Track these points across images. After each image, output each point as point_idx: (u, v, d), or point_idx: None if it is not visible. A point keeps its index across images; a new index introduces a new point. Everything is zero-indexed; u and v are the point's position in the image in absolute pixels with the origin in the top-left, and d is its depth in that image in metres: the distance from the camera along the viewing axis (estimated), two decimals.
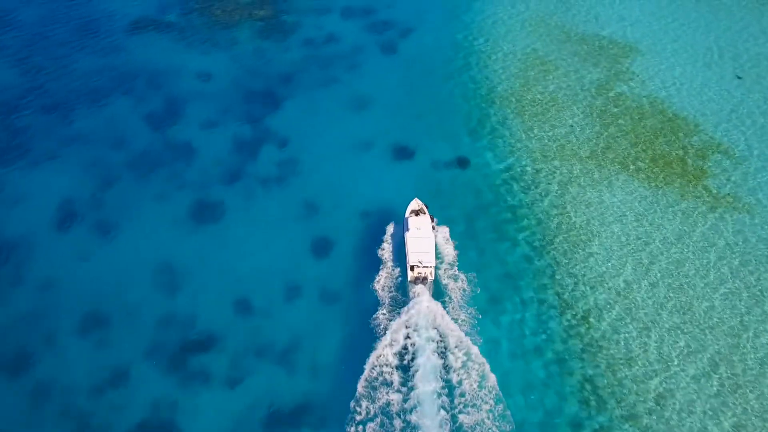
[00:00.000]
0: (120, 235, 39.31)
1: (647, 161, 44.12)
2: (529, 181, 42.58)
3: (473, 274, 35.95)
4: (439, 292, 35.59)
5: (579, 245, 38.06)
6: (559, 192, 41.73)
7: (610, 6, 65.90)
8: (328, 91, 52.90)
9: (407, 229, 37.00)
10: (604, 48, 58.63)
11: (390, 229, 38.59)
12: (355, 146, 46.33)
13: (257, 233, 39.53)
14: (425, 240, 36.10)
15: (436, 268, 36.06)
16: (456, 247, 38.07)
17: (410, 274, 35.32)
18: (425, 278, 35.05)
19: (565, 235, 38.62)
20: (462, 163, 44.04)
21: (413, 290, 34.81)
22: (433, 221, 38.95)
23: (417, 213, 38.59)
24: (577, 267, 36.79)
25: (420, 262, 34.86)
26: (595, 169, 43.58)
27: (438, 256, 36.98)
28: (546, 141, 46.24)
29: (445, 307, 34.46)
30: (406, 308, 33.74)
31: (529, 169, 43.44)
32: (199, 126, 48.80)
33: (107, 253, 38.11)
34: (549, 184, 42.29)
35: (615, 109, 49.75)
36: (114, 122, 49.45)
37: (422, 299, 33.64)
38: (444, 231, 39.07)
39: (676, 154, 44.91)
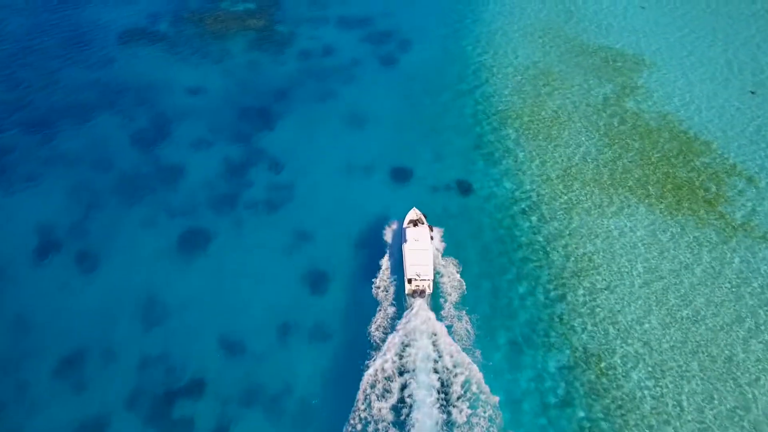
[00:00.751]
0: (102, 266, 36.99)
1: (660, 185, 41.74)
2: (536, 210, 40.15)
3: (476, 316, 33.81)
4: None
5: (588, 279, 35.67)
6: (566, 221, 39.29)
7: (620, 16, 63.53)
8: (324, 108, 50.50)
9: (405, 241, 35.49)
10: (613, 61, 56.18)
11: (385, 262, 36.36)
12: (352, 169, 43.91)
13: (248, 265, 37.20)
14: (423, 252, 34.57)
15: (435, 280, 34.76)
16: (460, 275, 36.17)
17: (408, 287, 33.80)
18: (423, 291, 33.53)
19: (574, 269, 36.20)
20: (464, 188, 41.67)
21: (411, 304, 33.20)
22: (431, 231, 37.44)
23: (415, 223, 37.06)
24: (587, 304, 34.44)
25: (418, 275, 33.44)
26: (605, 195, 41.16)
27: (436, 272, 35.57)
28: (553, 164, 43.80)
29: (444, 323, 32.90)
30: (402, 323, 32.10)
31: (534, 195, 41.03)
32: (189, 146, 46.47)
33: (87, 287, 35.77)
34: (556, 212, 39.84)
35: (625, 128, 47.36)
36: (100, 141, 47.10)
37: (419, 314, 31.98)
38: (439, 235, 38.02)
39: (691, 177, 42.50)
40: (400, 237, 37.58)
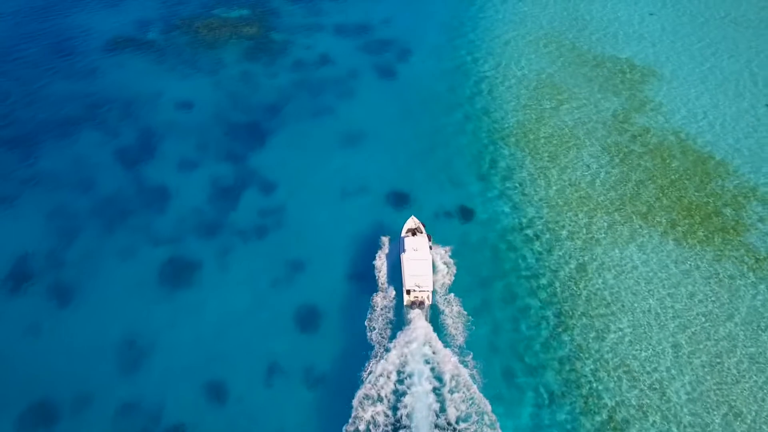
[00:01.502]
0: (78, 301, 34.54)
1: (676, 212, 39.10)
2: (541, 239, 37.45)
3: (479, 363, 31.10)
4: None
5: (599, 320, 32.95)
6: (574, 253, 36.61)
7: (629, 24, 60.78)
8: (318, 124, 47.94)
9: (403, 251, 34.43)
10: (623, 73, 53.51)
11: (379, 300, 33.73)
12: (347, 192, 41.34)
13: (235, 299, 34.69)
14: (422, 262, 33.57)
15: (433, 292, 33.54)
16: (458, 296, 34.02)
17: (406, 298, 32.90)
18: (422, 303, 32.61)
19: (583, 308, 33.50)
20: (466, 214, 39.09)
21: (409, 315, 32.31)
22: (430, 240, 36.07)
23: (414, 232, 35.88)
24: (597, 349, 31.75)
25: (417, 286, 32.50)
26: (615, 222, 38.47)
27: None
28: (561, 187, 41.09)
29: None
30: (402, 339, 30.96)
31: (540, 223, 38.38)
32: (176, 166, 43.95)
33: (62, 325, 33.29)
34: (563, 243, 37.13)
35: (635, 147, 44.71)
36: (81, 160, 44.59)
37: (418, 329, 31.13)
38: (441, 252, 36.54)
39: (709, 202, 39.83)
40: (398, 246, 36.11)
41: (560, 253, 36.42)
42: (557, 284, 34.70)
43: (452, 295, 33.60)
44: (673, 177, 41.80)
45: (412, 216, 37.65)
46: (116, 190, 41.97)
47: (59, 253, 37.15)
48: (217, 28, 60.83)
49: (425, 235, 36.15)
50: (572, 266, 35.62)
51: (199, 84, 53.11)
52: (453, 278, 34.54)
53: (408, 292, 32.91)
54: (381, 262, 35.62)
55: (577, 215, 38.96)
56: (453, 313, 32.79)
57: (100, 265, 36.53)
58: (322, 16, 63.06)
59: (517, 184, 41.33)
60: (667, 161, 43.24)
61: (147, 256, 37.16)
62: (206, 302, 34.61)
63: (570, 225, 38.28)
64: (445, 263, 35.77)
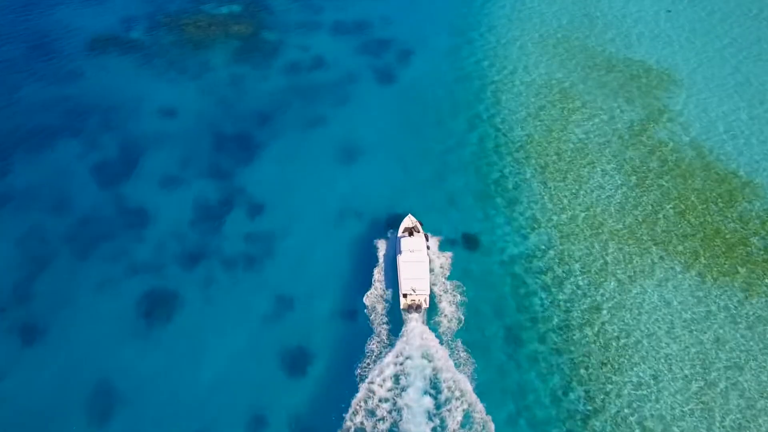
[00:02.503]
0: (47, 341, 31.77)
1: (698, 239, 35.99)
2: (553, 273, 34.30)
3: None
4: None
5: (615, 369, 29.97)
6: (589, 289, 33.46)
7: (641, 22, 56.75)
8: (311, 136, 44.59)
9: (400, 252, 33.18)
10: (638, 77, 49.88)
11: (375, 345, 30.88)
12: (342, 215, 38.21)
13: (219, 339, 31.83)
14: (419, 264, 32.33)
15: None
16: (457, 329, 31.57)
17: (403, 302, 31.71)
18: (419, 306, 31.47)
19: (600, 357, 30.46)
20: (471, 243, 36.07)
21: (406, 319, 31.21)
22: (427, 240, 34.14)
23: (410, 232, 34.40)
24: (614, 405, 28.81)
25: (413, 290, 31.31)
26: (634, 253, 35.25)
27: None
28: (573, 212, 37.78)
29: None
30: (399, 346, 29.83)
31: (552, 255, 35.19)
32: (158, 183, 40.84)
33: (25, 367, 30.56)
34: (576, 277, 33.94)
35: (655, 165, 41.27)
36: (58, 176, 41.46)
37: (416, 334, 30.17)
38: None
39: (733, 228, 36.65)
40: (394, 247, 34.56)
41: (572, 290, 33.30)
42: (569, 326, 31.62)
43: (459, 341, 30.74)
44: (694, 199, 38.55)
45: (409, 214, 35.98)
46: (93, 210, 38.97)
47: (26, 284, 34.32)
48: (206, 27, 57.07)
49: (422, 235, 34.50)
50: (585, 305, 32.58)
51: (185, 89, 49.62)
52: (458, 323, 31.69)
53: (404, 295, 31.63)
54: (376, 300, 32.76)
55: (591, 244, 35.78)
56: (460, 357, 30.17)
57: (72, 299, 33.69)
58: (318, 13, 59.14)
59: (525, 208, 38.04)
60: (688, 181, 39.90)
61: (123, 288, 34.27)
62: (189, 342, 31.76)
63: (582, 256, 35.12)
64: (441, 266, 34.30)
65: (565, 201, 38.39)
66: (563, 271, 34.28)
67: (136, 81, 50.55)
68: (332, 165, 41.96)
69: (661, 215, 37.52)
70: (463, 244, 35.94)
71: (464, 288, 32.92)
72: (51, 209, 38.98)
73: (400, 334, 30.88)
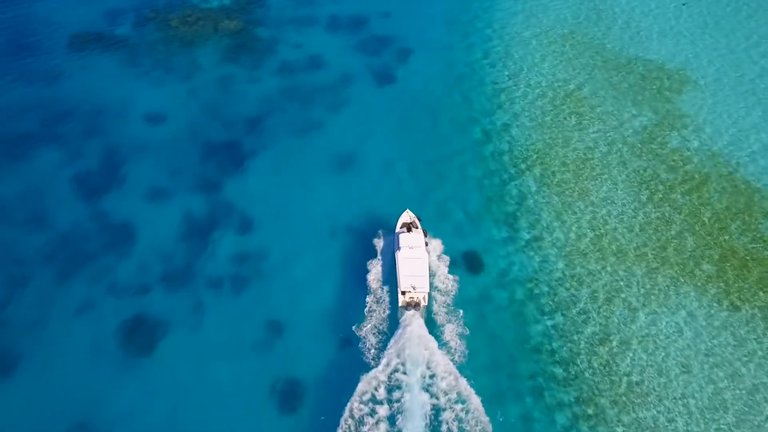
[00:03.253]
0: (20, 372, 29.68)
1: (716, 261, 33.73)
2: (559, 298, 32.13)
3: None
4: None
5: (628, 411, 27.94)
6: (598, 318, 31.24)
7: (655, 16, 53.80)
8: (306, 144, 42.09)
9: (398, 249, 32.55)
10: (654, 79, 47.13)
11: (368, 385, 28.82)
12: (337, 230, 36.03)
13: (205, 370, 29.84)
14: (418, 261, 31.75)
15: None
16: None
17: (401, 299, 31.27)
18: (418, 304, 31.01)
19: (609, 396, 28.36)
20: (472, 264, 33.90)
21: (404, 316, 30.59)
22: (426, 236, 33.81)
23: (409, 227, 33.49)
24: None
25: (413, 287, 30.76)
26: (646, 277, 33.00)
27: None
28: (580, 230, 35.48)
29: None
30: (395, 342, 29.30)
31: (559, 279, 32.97)
32: (142, 196, 38.53)
33: None
34: (585, 304, 31.79)
35: (668, 176, 38.96)
36: (35, 189, 39.12)
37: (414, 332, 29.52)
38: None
39: (753, 248, 34.48)
40: (392, 243, 33.82)
41: (579, 317, 31.21)
42: (577, 360, 29.54)
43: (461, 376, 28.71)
44: (711, 213, 36.26)
45: (407, 210, 35.11)
46: (72, 226, 36.69)
47: (3, 311, 32.22)
48: (195, 22, 54.14)
49: (421, 231, 33.74)
50: (593, 335, 30.42)
51: (172, 92, 46.95)
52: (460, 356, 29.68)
53: (403, 293, 31.08)
54: (371, 332, 30.74)
55: (599, 266, 33.50)
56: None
57: (49, 326, 31.61)
58: (313, 6, 56.15)
59: (530, 225, 35.77)
60: (704, 195, 37.54)
61: (103, 313, 32.18)
62: (174, 374, 29.71)
63: (590, 280, 32.90)
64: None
65: (573, 218, 36.14)
66: (569, 296, 32.14)
67: (120, 82, 47.86)
68: (326, 175, 39.55)
69: (674, 234, 35.23)
70: (463, 265, 33.79)
71: (463, 314, 30.94)
72: (25, 225, 36.67)
73: (397, 333, 29.82)
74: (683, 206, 36.79)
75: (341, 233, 36.00)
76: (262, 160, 41.03)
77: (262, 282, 33.82)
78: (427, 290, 31.08)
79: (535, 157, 40.27)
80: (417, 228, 34.15)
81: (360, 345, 30.09)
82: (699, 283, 32.71)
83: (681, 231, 35.34)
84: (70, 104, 45.74)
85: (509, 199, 37.45)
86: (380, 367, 28.60)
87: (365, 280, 32.96)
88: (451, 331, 30.19)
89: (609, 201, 37.26)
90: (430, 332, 30.01)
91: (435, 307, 31.25)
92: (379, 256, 34.15)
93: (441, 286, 32.25)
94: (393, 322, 30.87)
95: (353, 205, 37.63)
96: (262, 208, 37.81)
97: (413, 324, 30.04)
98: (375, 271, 33.21)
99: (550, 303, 31.88)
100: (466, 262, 33.91)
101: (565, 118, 43.34)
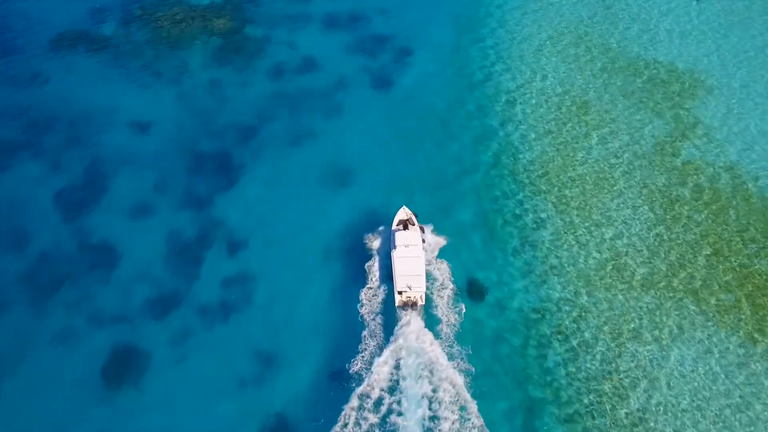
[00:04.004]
0: None
1: (736, 289, 31.61)
2: (568, 331, 30.01)
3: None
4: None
5: None
6: (610, 353, 29.17)
7: (670, 15, 50.92)
8: (299, 155, 39.73)
9: (394, 247, 31.93)
10: (665, 83, 44.56)
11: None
12: (331, 252, 34.07)
13: (192, 409, 28.08)
14: (415, 260, 31.16)
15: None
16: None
17: (398, 298, 30.69)
18: (415, 303, 30.46)
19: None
20: (474, 292, 31.78)
21: (401, 316, 30.10)
22: (423, 233, 33.17)
23: (405, 225, 32.49)
24: None
25: (409, 287, 30.23)
26: (661, 306, 30.88)
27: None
28: (590, 255, 33.23)
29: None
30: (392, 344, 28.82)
31: (568, 307, 30.84)
32: (127, 214, 36.35)
33: None
34: (597, 338, 29.68)
35: (685, 192, 36.66)
36: (13, 205, 36.93)
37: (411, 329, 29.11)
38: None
39: None
40: (388, 241, 33.35)
41: (590, 356, 29.09)
42: (585, 401, 27.54)
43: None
44: (729, 236, 33.96)
45: (404, 206, 34.20)
46: (51, 246, 34.64)
47: None
48: (183, 21, 51.38)
49: (417, 228, 32.99)
50: (606, 375, 28.39)
51: (161, 97, 44.49)
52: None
53: (399, 293, 30.51)
54: (365, 364, 28.84)
55: (612, 296, 31.35)
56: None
57: (26, 356, 29.80)
58: (308, 3, 53.33)
59: (536, 250, 33.48)
60: (721, 212, 35.30)
61: (84, 342, 30.33)
62: (156, 410, 28.08)
63: (601, 312, 30.72)
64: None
65: (581, 240, 33.89)
66: (577, 329, 30.09)
67: (104, 87, 45.36)
68: (322, 190, 37.30)
69: (693, 257, 32.96)
70: (465, 292, 31.78)
71: (469, 350, 29.01)
72: (4, 245, 34.84)
73: (394, 335, 29.21)
74: (703, 227, 34.49)
75: (333, 252, 33.88)
76: (254, 173, 38.66)
77: (252, 310, 31.72)
78: (424, 289, 30.33)
79: (540, 171, 37.78)
80: (414, 225, 32.98)
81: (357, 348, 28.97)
82: (718, 315, 30.55)
83: (699, 253, 33.16)
84: (50, 110, 43.32)
85: (515, 218, 35.14)
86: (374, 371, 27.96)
87: (358, 299, 31.28)
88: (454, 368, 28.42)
89: (621, 221, 34.97)
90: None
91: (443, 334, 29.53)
92: (375, 269, 32.62)
93: (444, 319, 30.46)
94: (390, 324, 29.89)
95: (346, 221, 35.33)
96: (253, 224, 35.61)
97: (411, 325, 29.24)
98: (370, 296, 31.45)
99: (562, 337, 29.77)
100: (468, 290, 31.77)
101: (573, 128, 40.78)
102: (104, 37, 50.10)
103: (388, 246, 33.08)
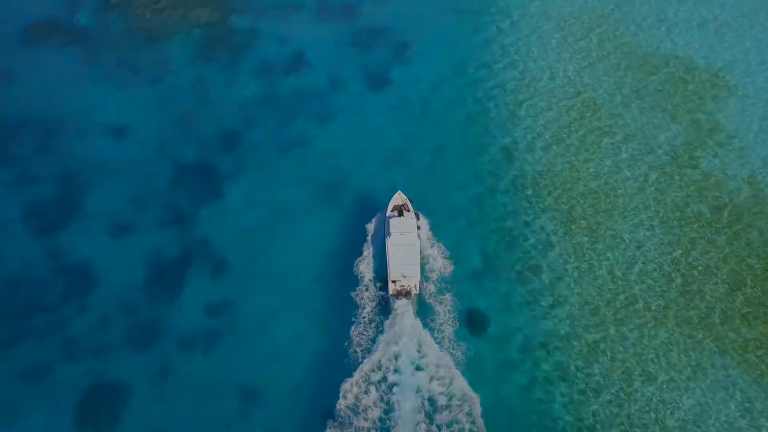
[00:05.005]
0: None
1: (761, 324, 29.43)
2: (578, 371, 27.70)
3: None
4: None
5: None
6: (621, 398, 26.93)
7: (693, 2, 47.11)
8: (287, 166, 36.79)
9: (388, 234, 31.01)
10: (683, 82, 41.28)
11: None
12: (321, 278, 31.48)
13: None
14: (409, 248, 30.10)
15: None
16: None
17: (391, 287, 29.83)
18: (408, 292, 29.60)
19: None
20: (475, 324, 29.46)
21: (395, 305, 29.24)
22: (418, 220, 32.26)
23: (401, 211, 31.17)
24: None
25: (403, 276, 29.39)
26: (676, 344, 28.43)
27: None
28: (600, 283, 30.69)
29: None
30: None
31: (576, 345, 28.39)
32: (104, 232, 33.67)
33: None
34: (610, 380, 27.33)
35: (704, 210, 33.93)
36: None
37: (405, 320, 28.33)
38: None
39: None
40: (382, 227, 32.30)
41: (603, 397, 26.85)
42: None
43: None
44: (754, 260, 31.45)
45: (399, 191, 33.16)
46: (20, 269, 32.01)
47: None
48: (164, 10, 47.41)
49: (413, 214, 31.93)
50: (621, 421, 26.64)
51: (140, 98, 41.10)
52: None
53: (393, 281, 29.61)
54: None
55: (623, 330, 28.95)
56: None
57: None
58: None
59: (543, 275, 30.93)
60: (744, 231, 32.66)
61: (57, 378, 28.03)
62: None
63: (612, 348, 28.34)
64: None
65: (591, 266, 31.25)
66: (586, 367, 27.91)
67: (79, 86, 41.89)
68: (311, 205, 34.53)
69: (710, 286, 30.48)
70: (465, 324, 29.39)
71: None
72: None
73: (387, 326, 28.53)
74: (719, 248, 32.09)
75: (323, 277, 31.31)
76: (237, 186, 35.75)
77: (236, 340, 29.27)
78: (419, 278, 29.45)
79: (548, 184, 35.02)
80: (409, 210, 31.66)
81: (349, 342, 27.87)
82: (743, 355, 28.11)
83: (719, 281, 30.63)
84: (21, 113, 40.07)
85: (519, 243, 32.42)
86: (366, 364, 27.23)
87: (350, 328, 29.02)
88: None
89: (633, 244, 32.29)
90: None
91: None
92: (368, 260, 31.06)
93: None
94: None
95: (336, 240, 32.78)
96: (236, 245, 32.90)
97: (405, 315, 28.62)
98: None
99: (571, 378, 27.47)
100: (469, 323, 29.34)
101: (583, 135, 37.74)
102: (78, 29, 46.28)
103: (382, 233, 31.93)
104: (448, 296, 30.03)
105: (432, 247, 31.90)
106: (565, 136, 37.76)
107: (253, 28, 46.00)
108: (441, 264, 31.06)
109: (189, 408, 27.58)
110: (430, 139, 38.22)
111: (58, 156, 37.76)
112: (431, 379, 26.74)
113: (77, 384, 28.18)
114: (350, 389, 26.43)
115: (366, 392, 26.43)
